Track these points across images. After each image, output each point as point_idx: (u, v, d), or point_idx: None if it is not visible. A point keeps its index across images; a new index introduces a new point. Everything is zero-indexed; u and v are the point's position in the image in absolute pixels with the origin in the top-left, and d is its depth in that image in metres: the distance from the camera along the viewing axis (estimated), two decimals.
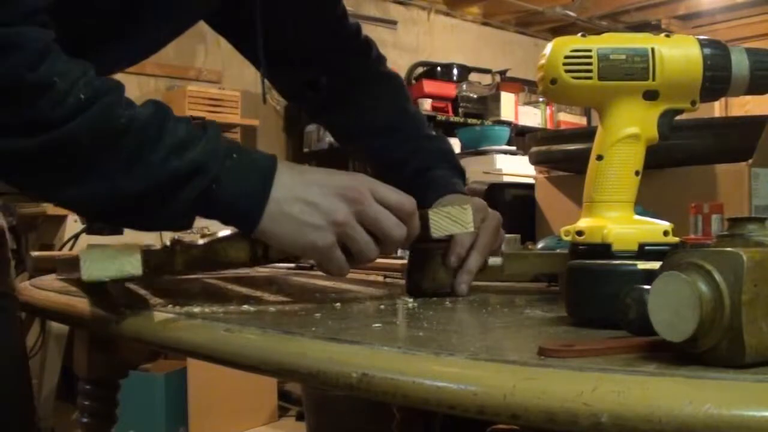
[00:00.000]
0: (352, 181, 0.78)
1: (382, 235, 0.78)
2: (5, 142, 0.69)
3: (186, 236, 0.86)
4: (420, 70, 5.28)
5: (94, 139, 0.70)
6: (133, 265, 0.74)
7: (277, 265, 1.29)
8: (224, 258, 0.80)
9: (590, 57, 0.66)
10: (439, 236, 0.84)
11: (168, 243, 0.82)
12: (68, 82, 0.69)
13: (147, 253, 0.78)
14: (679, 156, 1.09)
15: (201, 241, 0.82)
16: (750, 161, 1.03)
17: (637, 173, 0.67)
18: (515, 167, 3.22)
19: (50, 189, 0.74)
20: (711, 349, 0.46)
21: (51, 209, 3.03)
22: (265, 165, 0.76)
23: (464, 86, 5.22)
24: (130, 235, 1.30)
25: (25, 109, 0.68)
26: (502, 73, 5.52)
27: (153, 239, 1.27)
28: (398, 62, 5.40)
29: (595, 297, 0.63)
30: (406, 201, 0.79)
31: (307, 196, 0.75)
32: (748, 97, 1.15)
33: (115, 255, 0.74)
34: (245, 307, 0.78)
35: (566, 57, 0.66)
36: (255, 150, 0.78)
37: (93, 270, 0.73)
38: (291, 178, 0.76)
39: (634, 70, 0.66)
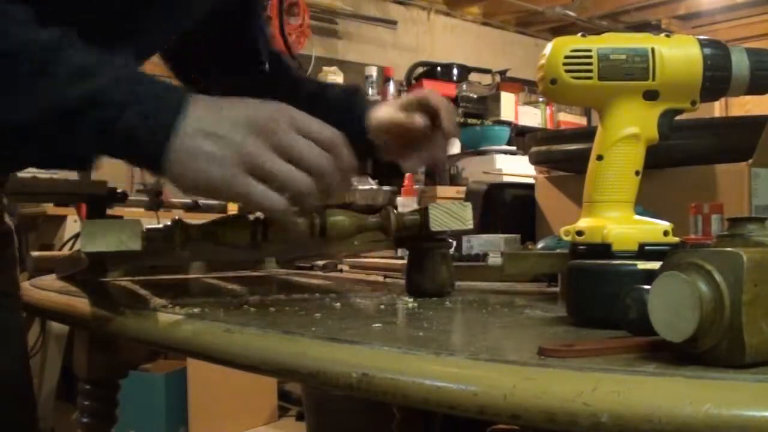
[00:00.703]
0: (268, 110, 0.71)
1: (305, 166, 0.70)
2: None
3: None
4: (420, 70, 5.28)
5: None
6: (133, 240, 0.75)
7: (276, 266, 1.30)
8: (224, 241, 0.80)
9: (590, 57, 0.66)
10: (437, 230, 0.85)
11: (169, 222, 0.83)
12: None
13: (147, 230, 0.78)
14: (679, 156, 1.09)
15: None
16: (750, 161, 1.03)
17: (637, 173, 0.67)
18: (515, 167, 3.23)
19: None
20: (711, 349, 0.46)
21: (51, 209, 3.03)
22: (176, 99, 0.69)
23: (464, 86, 5.21)
24: None
25: None
26: (502, 73, 5.51)
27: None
28: (398, 62, 5.41)
29: (595, 297, 0.63)
30: (328, 130, 0.72)
31: (217, 130, 0.68)
32: (748, 97, 1.15)
33: (116, 228, 0.75)
34: (245, 307, 0.78)
35: (566, 57, 0.66)
36: (170, 84, 0.71)
37: (93, 242, 0.74)
38: (201, 110, 0.69)
39: (634, 70, 0.66)
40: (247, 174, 0.68)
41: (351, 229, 0.84)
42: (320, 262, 1.29)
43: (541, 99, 5.55)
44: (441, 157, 0.91)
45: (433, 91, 0.91)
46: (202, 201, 3.65)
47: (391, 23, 5.61)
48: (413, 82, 5.18)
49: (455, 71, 5.28)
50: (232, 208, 3.69)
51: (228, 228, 0.80)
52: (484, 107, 5.25)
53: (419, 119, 0.91)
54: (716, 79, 0.67)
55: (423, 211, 0.86)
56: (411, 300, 0.85)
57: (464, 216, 0.86)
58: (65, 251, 2.63)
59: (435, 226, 0.85)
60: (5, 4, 0.66)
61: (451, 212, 0.85)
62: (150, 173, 0.70)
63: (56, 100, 0.65)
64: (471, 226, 0.86)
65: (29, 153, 0.70)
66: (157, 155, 0.67)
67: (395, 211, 0.87)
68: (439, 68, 5.24)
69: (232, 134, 0.68)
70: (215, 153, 0.67)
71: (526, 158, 1.44)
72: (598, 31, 0.70)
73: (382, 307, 0.80)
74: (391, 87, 4.96)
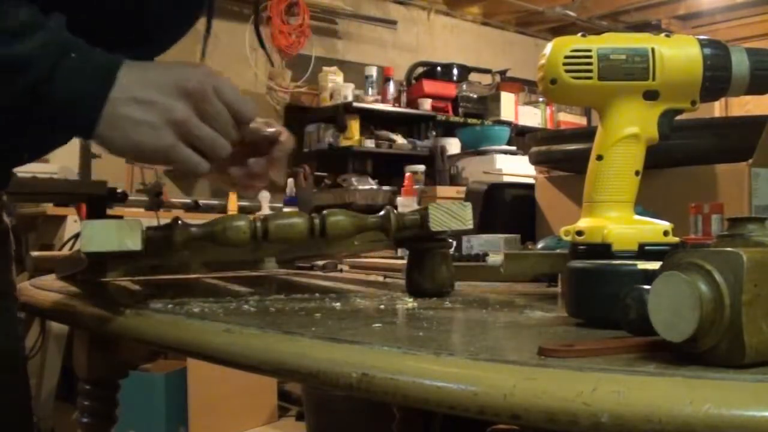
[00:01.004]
0: (194, 75, 0.72)
1: (224, 133, 0.74)
2: None
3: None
4: (420, 70, 5.28)
5: None
6: (133, 240, 0.75)
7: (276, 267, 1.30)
8: (224, 240, 0.80)
9: (590, 57, 0.66)
10: (437, 230, 0.85)
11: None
12: None
13: (148, 230, 0.78)
14: (679, 156, 1.09)
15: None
16: (750, 161, 1.03)
17: (637, 173, 0.67)
18: (515, 167, 3.23)
19: None
20: (711, 349, 0.46)
21: (51, 209, 3.03)
22: (105, 64, 0.69)
23: (464, 86, 5.22)
24: None
25: None
26: (502, 73, 5.52)
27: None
28: (398, 62, 5.41)
29: (595, 297, 0.63)
30: (248, 106, 0.75)
31: (145, 95, 0.69)
32: (748, 97, 1.15)
33: (116, 228, 0.75)
34: (245, 307, 0.78)
35: (566, 57, 0.66)
36: (100, 50, 0.70)
37: (93, 242, 0.74)
38: (131, 77, 0.69)
39: (634, 70, 0.66)
40: (176, 137, 0.71)
41: (351, 229, 0.84)
42: (320, 262, 1.29)
43: (541, 99, 5.56)
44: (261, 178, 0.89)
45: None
46: (202, 201, 3.65)
47: (391, 23, 5.61)
48: (413, 82, 5.18)
49: (455, 71, 5.28)
50: (232, 209, 3.69)
51: (228, 228, 0.80)
52: (484, 107, 5.26)
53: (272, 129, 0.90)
54: (716, 79, 0.67)
55: (423, 211, 0.86)
56: (411, 300, 0.85)
57: (464, 216, 0.86)
58: (65, 251, 2.63)
59: (435, 226, 0.85)
60: None
61: (451, 212, 0.85)
62: (81, 138, 0.71)
63: None
64: (471, 226, 0.86)
65: None
66: (89, 122, 0.68)
67: (395, 211, 0.87)
68: (439, 68, 5.24)
69: (162, 100, 0.70)
70: (146, 119, 0.69)
71: (526, 158, 1.44)
72: (598, 31, 0.70)
73: (382, 307, 0.80)
74: (391, 87, 4.96)
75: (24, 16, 0.65)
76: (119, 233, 0.75)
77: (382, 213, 0.87)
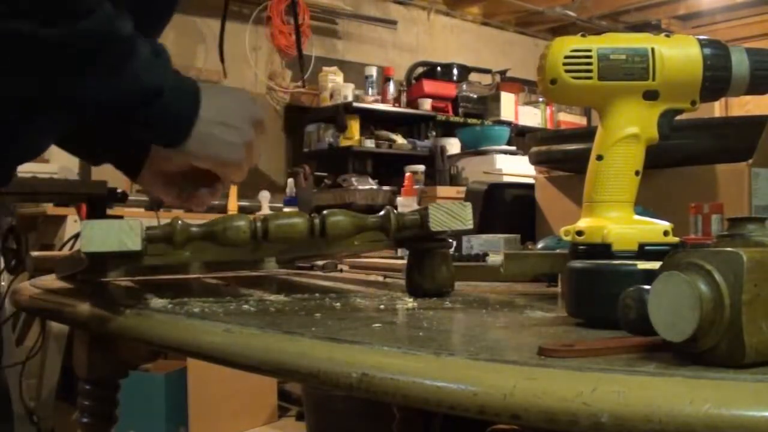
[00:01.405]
0: (258, 109, 0.90)
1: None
2: (32, 27, 0.71)
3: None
4: (420, 70, 5.28)
5: (100, 42, 0.73)
6: (133, 240, 0.75)
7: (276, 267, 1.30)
8: (224, 240, 0.80)
9: (590, 57, 0.66)
10: (437, 230, 0.85)
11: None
12: None
13: (148, 230, 0.78)
14: (679, 156, 1.09)
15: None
16: (750, 161, 1.03)
17: (637, 173, 0.67)
18: (515, 167, 3.23)
19: (44, 84, 0.75)
20: (711, 349, 0.46)
21: (51, 209, 3.03)
22: (191, 87, 0.83)
23: (464, 86, 5.22)
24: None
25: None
26: (502, 73, 5.52)
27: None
28: (398, 62, 5.41)
29: (595, 297, 0.63)
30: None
31: (227, 120, 0.84)
32: (748, 97, 1.15)
33: (116, 229, 0.75)
34: (245, 307, 0.78)
35: (566, 57, 0.66)
36: (179, 72, 0.83)
37: (93, 242, 0.74)
38: (211, 101, 0.84)
39: (634, 70, 0.66)
40: (244, 155, 0.87)
41: (351, 229, 0.84)
42: (320, 262, 1.29)
43: (541, 99, 5.56)
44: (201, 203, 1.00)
45: None
46: None
47: (391, 23, 5.61)
48: (413, 82, 5.18)
49: (455, 71, 5.28)
50: (232, 208, 3.69)
51: (228, 228, 0.80)
52: (484, 107, 5.25)
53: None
54: (716, 79, 0.67)
55: (423, 212, 0.86)
56: (411, 300, 0.85)
57: (464, 216, 0.86)
58: (65, 251, 2.63)
59: (435, 226, 0.85)
60: None
61: (451, 212, 0.85)
62: (170, 150, 0.83)
63: (137, 85, 0.77)
64: (471, 226, 0.86)
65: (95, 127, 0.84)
66: (179, 139, 0.81)
67: (395, 211, 0.87)
68: (439, 68, 5.24)
69: (241, 125, 0.86)
70: (229, 140, 0.85)
71: (526, 158, 1.44)
72: (598, 31, 0.70)
73: (382, 307, 0.80)
74: (391, 87, 4.96)
75: (152, 48, 0.78)
76: (119, 233, 0.75)
77: (382, 213, 0.87)
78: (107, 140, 1.09)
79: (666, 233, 0.66)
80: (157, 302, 0.80)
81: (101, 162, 1.15)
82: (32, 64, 0.75)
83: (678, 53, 0.67)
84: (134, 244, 0.75)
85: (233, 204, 3.73)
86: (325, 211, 0.85)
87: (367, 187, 4.24)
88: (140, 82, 0.77)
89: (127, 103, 0.77)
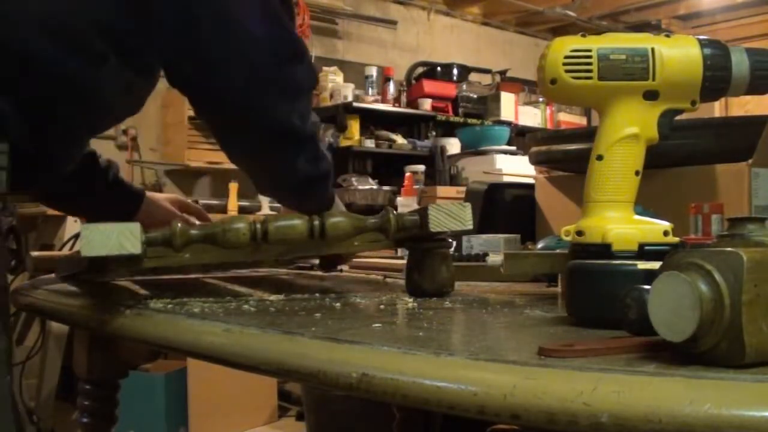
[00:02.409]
0: None
1: None
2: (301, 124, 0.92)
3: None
4: (420, 70, 5.28)
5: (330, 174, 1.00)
6: (132, 243, 0.75)
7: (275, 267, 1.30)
8: (224, 242, 0.80)
9: (590, 57, 0.66)
10: (436, 230, 0.85)
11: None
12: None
13: (147, 233, 0.78)
14: (679, 156, 1.09)
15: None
16: (750, 161, 1.03)
17: (637, 173, 0.67)
18: (515, 167, 3.23)
19: (308, 203, 0.97)
20: (711, 349, 0.46)
21: (51, 209, 3.02)
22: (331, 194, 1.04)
23: (464, 86, 5.22)
24: None
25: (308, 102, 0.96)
26: (502, 73, 5.52)
27: None
28: (398, 62, 5.41)
29: (595, 297, 0.63)
30: None
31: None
32: (748, 97, 1.15)
33: (116, 232, 0.75)
34: (245, 307, 0.78)
35: (566, 57, 0.66)
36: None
37: (92, 246, 0.74)
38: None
39: (634, 70, 0.66)
40: None
41: (350, 231, 0.84)
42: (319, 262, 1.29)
43: (541, 99, 5.56)
44: None
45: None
46: (202, 201, 3.65)
47: (391, 23, 5.61)
48: (413, 82, 5.18)
49: (455, 71, 5.28)
50: (232, 208, 3.69)
51: (228, 230, 0.80)
52: (484, 107, 5.25)
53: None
54: (716, 79, 0.67)
55: (422, 212, 0.86)
56: (411, 300, 0.85)
57: (464, 216, 0.86)
58: (65, 251, 2.63)
59: (435, 227, 0.85)
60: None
61: (450, 213, 0.85)
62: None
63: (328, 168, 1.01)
64: (471, 227, 0.86)
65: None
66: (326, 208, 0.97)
67: (395, 212, 0.87)
68: (439, 68, 5.24)
69: None
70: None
71: (526, 158, 1.44)
72: (598, 31, 0.70)
73: (382, 307, 0.80)
74: (391, 87, 4.96)
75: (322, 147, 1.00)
76: (119, 237, 0.75)
77: (381, 214, 0.87)
78: (98, 198, 1.19)
79: (666, 233, 0.66)
80: (157, 302, 0.80)
81: (93, 218, 1.23)
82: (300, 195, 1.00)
83: (678, 53, 0.67)
84: (134, 247, 0.75)
85: (233, 204, 3.73)
86: (324, 212, 0.85)
87: (367, 187, 4.23)
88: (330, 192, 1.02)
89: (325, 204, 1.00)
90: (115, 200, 1.21)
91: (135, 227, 0.76)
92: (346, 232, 0.84)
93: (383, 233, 0.87)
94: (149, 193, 1.26)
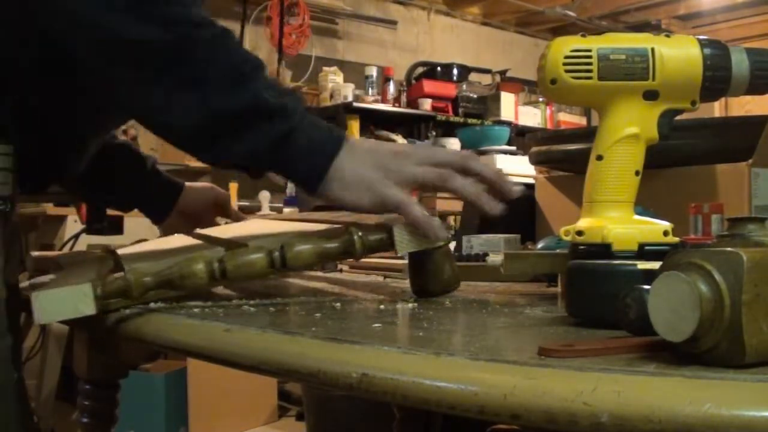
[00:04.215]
0: (442, 152, 0.85)
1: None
2: (145, 31, 0.74)
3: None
4: (420, 70, 5.28)
5: (212, 51, 0.77)
6: (86, 305, 0.73)
7: None
8: (180, 286, 0.77)
9: (590, 57, 0.66)
10: (405, 253, 0.80)
11: (125, 269, 0.79)
12: None
13: (103, 284, 0.75)
14: (679, 156, 1.09)
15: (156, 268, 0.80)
16: (750, 161, 1.03)
17: (637, 173, 0.67)
18: (515, 167, 3.22)
19: (158, 100, 0.77)
20: (711, 349, 0.46)
21: (51, 209, 3.03)
22: (334, 137, 0.81)
23: (464, 86, 5.22)
24: (129, 238, 1.30)
25: (160, 3, 0.75)
26: (502, 73, 5.52)
27: (152, 236, 1.27)
28: (398, 62, 5.41)
29: (595, 297, 0.63)
30: (508, 183, 0.87)
31: (377, 160, 0.80)
32: (748, 97, 1.15)
33: (67, 295, 0.73)
34: (245, 307, 0.78)
35: (566, 57, 0.66)
36: (328, 125, 0.83)
37: (47, 312, 0.72)
38: (361, 142, 0.82)
39: (634, 70, 0.66)
40: (409, 195, 0.80)
41: (313, 260, 0.80)
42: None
43: (541, 99, 5.57)
44: None
45: None
46: None
47: (391, 23, 5.61)
48: (413, 82, 5.18)
49: (455, 71, 5.28)
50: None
51: (185, 275, 0.76)
52: (484, 107, 5.26)
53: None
54: (716, 79, 0.67)
55: (389, 231, 0.80)
56: (411, 300, 0.85)
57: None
58: (65, 251, 2.63)
59: (401, 248, 0.80)
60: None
61: (417, 231, 0.80)
62: (305, 190, 0.82)
63: (260, 97, 0.77)
64: (443, 243, 0.81)
65: (218, 142, 0.80)
66: (320, 171, 0.79)
67: (359, 233, 0.81)
68: (439, 68, 5.24)
69: (396, 166, 0.80)
70: (374, 176, 0.79)
71: (526, 158, 1.44)
72: (598, 31, 0.70)
73: (382, 307, 0.80)
74: (391, 87, 4.96)
75: (282, 84, 0.86)
76: (73, 300, 0.72)
77: (345, 238, 0.81)
78: (136, 189, 1.19)
79: (666, 233, 0.66)
80: (157, 302, 0.79)
81: (131, 208, 1.25)
82: (138, 82, 0.78)
83: (678, 53, 0.67)
84: (89, 308, 0.73)
85: (233, 203, 3.73)
86: (284, 242, 0.79)
87: None
88: (262, 95, 0.77)
89: (247, 113, 0.77)
90: (154, 190, 1.20)
91: (86, 288, 0.73)
92: (308, 262, 0.80)
93: (350, 256, 0.82)
94: (188, 184, 1.24)
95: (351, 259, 1.33)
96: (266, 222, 1.22)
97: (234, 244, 0.82)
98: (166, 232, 1.26)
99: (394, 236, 0.80)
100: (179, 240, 1.07)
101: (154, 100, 0.78)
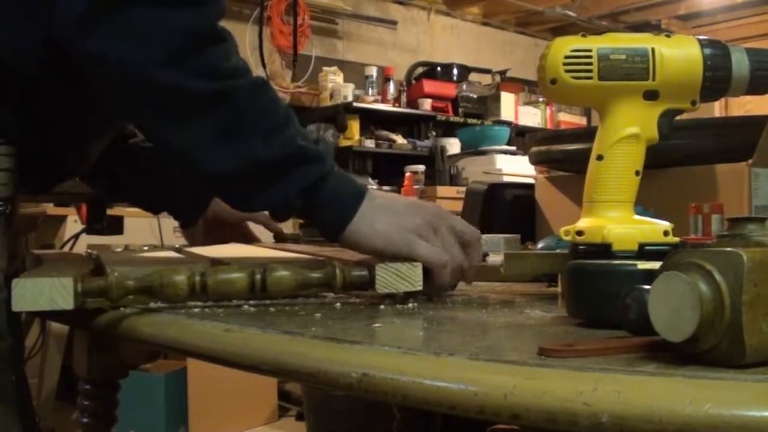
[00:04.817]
0: (434, 208, 0.87)
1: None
2: (192, 82, 0.76)
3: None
4: (420, 70, 5.29)
5: (251, 101, 0.79)
6: (64, 299, 0.72)
7: None
8: (161, 296, 0.76)
9: (590, 57, 0.66)
10: (383, 292, 0.81)
11: (108, 270, 0.79)
12: (233, 44, 0.81)
13: (84, 283, 0.75)
14: (679, 156, 1.09)
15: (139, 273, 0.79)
16: (750, 161, 1.03)
17: (637, 173, 0.67)
18: (515, 167, 3.23)
19: (196, 146, 0.79)
20: (711, 349, 0.46)
21: (51, 209, 3.03)
22: (359, 185, 0.85)
23: (464, 86, 5.22)
24: (129, 238, 1.30)
25: (205, 55, 0.77)
26: (502, 73, 5.52)
27: (155, 241, 1.27)
28: (398, 62, 5.41)
29: (595, 297, 0.63)
30: (469, 231, 0.88)
31: (393, 207, 0.84)
32: (748, 97, 1.15)
33: (47, 286, 0.72)
34: (245, 307, 0.78)
35: (566, 57, 0.66)
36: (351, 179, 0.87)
37: (24, 300, 0.71)
38: (378, 194, 0.86)
39: (634, 70, 0.66)
40: (417, 238, 0.83)
41: (293, 287, 0.80)
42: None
43: (541, 99, 5.57)
44: None
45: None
46: None
47: (391, 23, 5.61)
48: (413, 82, 5.18)
49: (455, 71, 5.29)
50: None
51: (165, 285, 0.76)
52: (484, 107, 5.26)
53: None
54: (716, 79, 0.67)
55: (370, 269, 0.81)
56: (411, 300, 0.85)
57: (413, 277, 0.81)
58: (65, 251, 2.63)
59: (381, 287, 0.80)
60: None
61: (399, 273, 0.80)
62: (327, 235, 0.85)
63: (296, 146, 0.81)
64: (420, 288, 0.81)
65: (251, 189, 0.82)
66: (344, 219, 0.82)
67: (342, 267, 0.81)
68: (439, 68, 5.24)
69: (407, 212, 0.84)
70: (392, 221, 0.83)
71: (526, 158, 1.44)
72: (598, 31, 0.70)
73: (382, 307, 0.80)
74: (391, 87, 4.96)
75: (313, 133, 0.90)
76: (51, 291, 0.72)
77: (326, 269, 0.81)
78: (176, 190, 1.18)
79: (666, 233, 0.66)
80: (157, 302, 0.79)
81: (160, 211, 1.25)
82: (178, 131, 0.79)
83: (678, 53, 0.67)
84: (66, 303, 0.72)
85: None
86: (267, 267, 0.79)
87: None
88: (298, 143, 0.80)
89: (283, 161, 0.80)
90: (188, 190, 1.19)
91: (67, 282, 0.72)
92: (288, 288, 0.79)
93: (329, 289, 0.83)
94: None
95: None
96: (253, 248, 1.21)
97: (218, 262, 0.82)
98: (188, 239, 1.26)
99: (375, 275, 0.81)
100: (229, 249, 1.10)
101: (192, 148, 0.79)
